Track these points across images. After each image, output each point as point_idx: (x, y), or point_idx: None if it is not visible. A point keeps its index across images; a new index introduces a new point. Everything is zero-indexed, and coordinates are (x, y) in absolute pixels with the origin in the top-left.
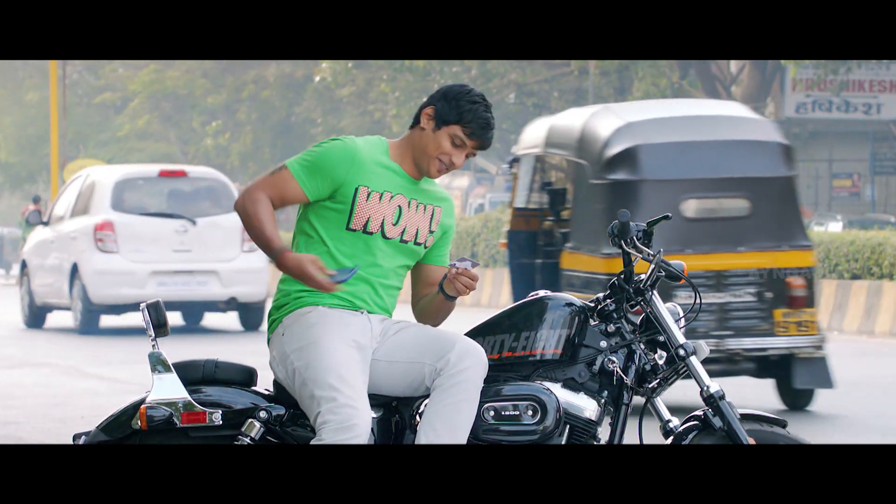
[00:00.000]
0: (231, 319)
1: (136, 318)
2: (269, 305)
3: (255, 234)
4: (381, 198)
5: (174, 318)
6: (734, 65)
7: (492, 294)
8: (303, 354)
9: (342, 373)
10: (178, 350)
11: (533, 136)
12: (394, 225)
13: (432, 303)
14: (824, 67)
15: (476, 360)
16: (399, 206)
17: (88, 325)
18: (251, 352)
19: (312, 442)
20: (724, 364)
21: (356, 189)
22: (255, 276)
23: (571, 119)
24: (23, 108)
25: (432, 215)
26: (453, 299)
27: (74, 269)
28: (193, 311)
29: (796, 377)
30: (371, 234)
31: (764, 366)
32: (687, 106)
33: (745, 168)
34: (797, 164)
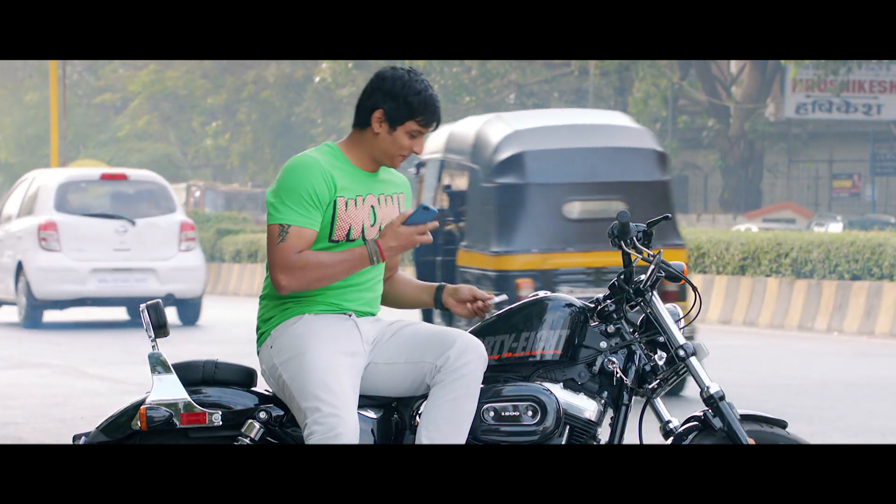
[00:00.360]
0: (169, 314)
1: (78, 314)
2: (205, 302)
3: (338, 269)
4: (356, 203)
5: (120, 313)
6: (734, 65)
7: None
8: (289, 366)
9: (327, 382)
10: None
11: (436, 141)
12: (371, 226)
13: (416, 299)
14: (824, 68)
15: (476, 355)
16: (372, 206)
17: (32, 319)
18: (247, 353)
19: None
20: None
21: (335, 201)
22: (192, 273)
23: (467, 126)
24: (23, 108)
25: (398, 203)
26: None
27: (20, 267)
28: (136, 306)
29: None
30: (353, 241)
31: None
32: (572, 115)
33: (622, 173)
34: (672, 170)
